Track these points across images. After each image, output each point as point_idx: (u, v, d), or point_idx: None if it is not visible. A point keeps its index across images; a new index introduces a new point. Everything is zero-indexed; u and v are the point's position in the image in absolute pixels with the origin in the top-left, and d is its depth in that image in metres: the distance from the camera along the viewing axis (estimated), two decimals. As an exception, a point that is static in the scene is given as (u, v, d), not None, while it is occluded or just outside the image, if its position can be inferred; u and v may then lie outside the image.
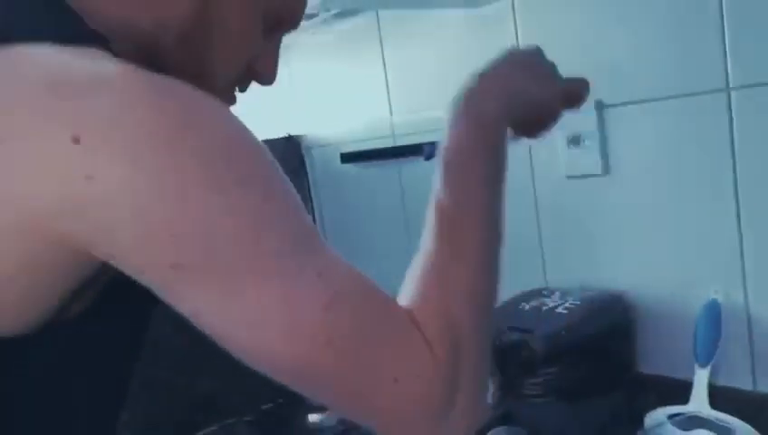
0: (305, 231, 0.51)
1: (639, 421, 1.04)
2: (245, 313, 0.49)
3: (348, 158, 1.56)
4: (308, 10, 0.70)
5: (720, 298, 1.03)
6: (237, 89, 0.65)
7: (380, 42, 1.48)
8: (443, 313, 0.54)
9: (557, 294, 1.14)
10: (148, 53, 0.56)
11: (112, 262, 0.47)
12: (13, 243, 0.46)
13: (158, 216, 0.45)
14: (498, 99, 0.63)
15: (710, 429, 0.96)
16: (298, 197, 0.52)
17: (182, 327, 0.54)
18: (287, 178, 0.52)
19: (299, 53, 1.63)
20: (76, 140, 0.44)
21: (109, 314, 0.54)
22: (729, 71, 0.98)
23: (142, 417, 1.45)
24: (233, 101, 0.65)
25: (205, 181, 0.46)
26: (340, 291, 0.51)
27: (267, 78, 0.66)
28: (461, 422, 0.54)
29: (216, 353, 0.55)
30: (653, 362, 1.13)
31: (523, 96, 0.66)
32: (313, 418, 1.47)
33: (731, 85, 0.98)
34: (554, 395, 1.05)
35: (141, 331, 0.62)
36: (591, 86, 0.73)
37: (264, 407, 1.49)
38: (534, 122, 0.70)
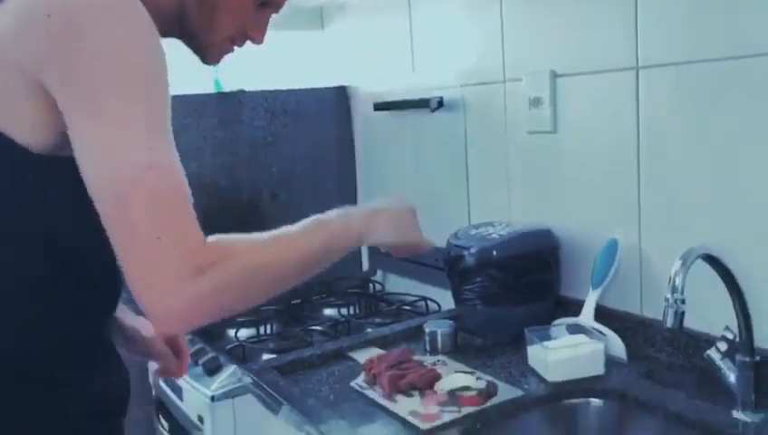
0: (160, 124, 0.74)
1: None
2: (96, 149, 0.72)
3: (379, 106, 1.88)
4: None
5: (620, 238, 1.28)
6: (236, 45, 0.95)
7: (410, 16, 1.77)
8: (226, 256, 0.76)
9: (502, 225, 1.42)
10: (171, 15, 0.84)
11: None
12: (19, 84, 0.73)
13: (77, 69, 0.71)
14: (360, 228, 0.95)
15: (589, 335, 1.22)
16: (167, 106, 0.75)
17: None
18: (167, 93, 0.75)
19: (344, 20, 1.96)
20: (47, 15, 0.71)
21: None
22: (639, 53, 1.21)
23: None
24: (229, 51, 0.96)
25: (113, 56, 0.72)
26: (157, 166, 0.72)
27: (256, 41, 0.95)
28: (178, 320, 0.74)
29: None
30: (570, 285, 1.39)
31: (379, 236, 0.98)
32: (328, 311, 1.84)
33: (639, 65, 1.21)
34: (481, 300, 1.35)
35: None
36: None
37: (293, 301, 1.87)
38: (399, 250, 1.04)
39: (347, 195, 2.09)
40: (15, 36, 0.74)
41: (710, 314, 1.09)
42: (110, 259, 0.74)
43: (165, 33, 0.84)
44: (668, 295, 0.89)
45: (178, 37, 0.89)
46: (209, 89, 1.91)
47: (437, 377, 1.17)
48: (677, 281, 0.89)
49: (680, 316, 0.89)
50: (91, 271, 0.84)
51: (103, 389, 0.88)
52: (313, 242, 0.89)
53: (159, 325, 0.75)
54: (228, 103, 1.91)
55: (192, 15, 0.88)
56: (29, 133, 0.75)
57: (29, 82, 0.74)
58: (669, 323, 0.89)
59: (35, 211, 0.78)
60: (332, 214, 0.94)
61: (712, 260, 0.93)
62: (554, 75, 1.38)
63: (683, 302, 0.89)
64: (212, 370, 1.40)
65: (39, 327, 0.81)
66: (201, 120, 1.86)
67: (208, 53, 0.88)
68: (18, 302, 0.80)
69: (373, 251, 2.05)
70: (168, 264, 0.71)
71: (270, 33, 0.96)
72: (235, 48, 0.96)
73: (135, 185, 0.71)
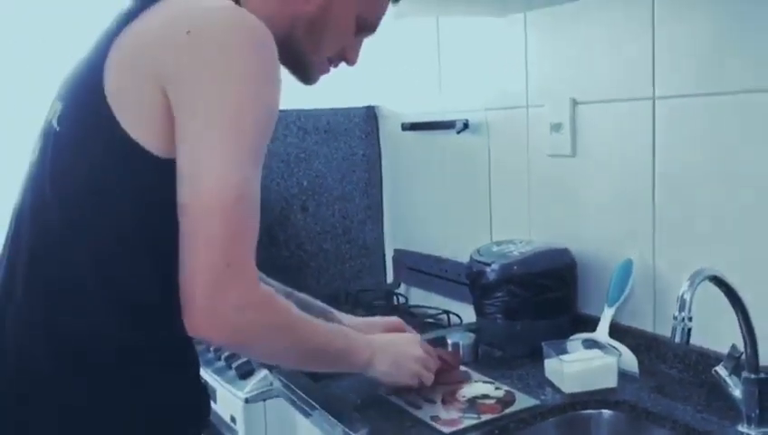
0: (259, 156, 0.83)
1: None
2: (199, 160, 0.79)
3: (406, 127, 1.96)
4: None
5: (635, 259, 1.34)
6: (332, 66, 1.04)
7: (438, 42, 1.86)
8: (272, 308, 0.88)
9: (522, 243, 1.49)
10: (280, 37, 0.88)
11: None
12: (150, 91, 0.80)
13: (201, 87, 0.79)
14: (368, 360, 1.12)
15: (603, 350, 1.28)
16: (269, 138, 0.85)
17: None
18: (273, 125, 0.85)
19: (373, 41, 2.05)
20: (187, 32, 0.80)
21: None
22: (655, 84, 1.28)
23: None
24: (326, 70, 1.04)
25: (234, 85, 0.80)
26: (246, 199, 0.80)
27: (351, 62, 1.04)
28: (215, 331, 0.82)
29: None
30: (586, 302, 1.46)
31: (377, 373, 1.15)
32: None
33: (656, 95, 1.29)
34: (502, 314, 1.42)
35: None
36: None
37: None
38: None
39: (373, 210, 2.17)
40: (155, 44, 0.81)
41: (719, 332, 1.15)
42: None
43: None
44: (677, 313, 0.96)
45: (281, 59, 0.92)
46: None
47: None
48: (685, 300, 0.96)
49: (687, 333, 0.96)
50: None
51: (185, 399, 0.93)
52: (334, 345, 1.03)
53: (196, 331, 0.81)
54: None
55: (300, 37, 0.96)
56: (155, 139, 0.81)
57: (158, 89, 0.80)
58: (677, 338, 0.96)
59: (157, 211, 0.83)
60: (359, 335, 1.11)
61: (718, 281, 1.00)
62: (574, 103, 1.45)
63: (690, 319, 0.96)
64: (245, 374, 1.48)
65: (138, 323, 0.86)
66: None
67: (310, 74, 0.96)
68: (124, 296, 0.85)
69: (397, 264, 2.13)
70: (230, 290, 0.80)
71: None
72: (331, 69, 1.04)
73: (224, 209, 0.78)
